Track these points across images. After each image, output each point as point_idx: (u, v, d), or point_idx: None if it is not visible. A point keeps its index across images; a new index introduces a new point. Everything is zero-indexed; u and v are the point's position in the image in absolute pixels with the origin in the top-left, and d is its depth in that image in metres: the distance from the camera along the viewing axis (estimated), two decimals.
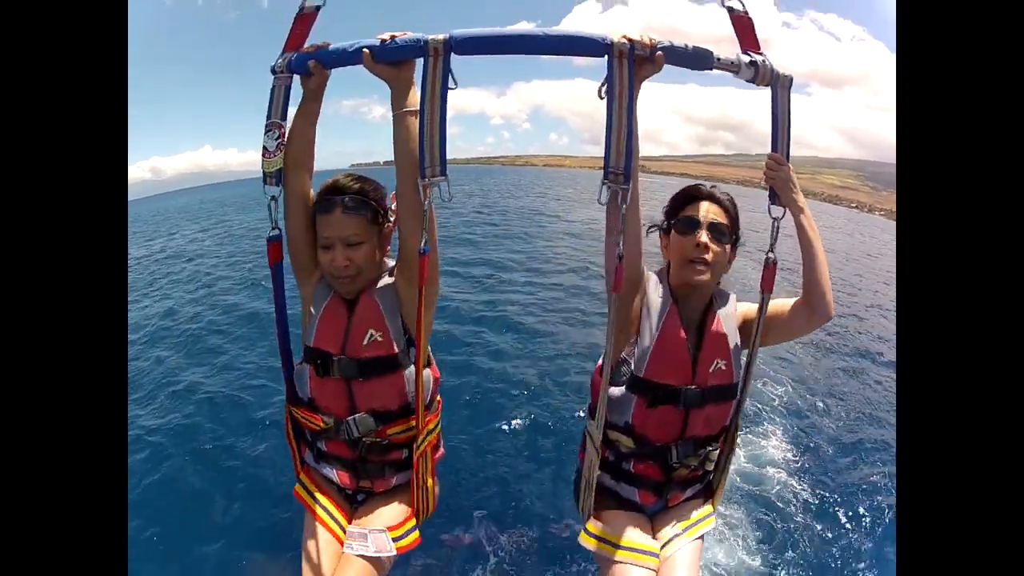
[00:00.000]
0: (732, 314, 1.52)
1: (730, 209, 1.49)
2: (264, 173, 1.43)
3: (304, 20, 1.40)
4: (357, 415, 1.48)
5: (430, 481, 1.57)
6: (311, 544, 1.49)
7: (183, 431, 4.30)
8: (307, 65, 1.36)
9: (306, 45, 1.41)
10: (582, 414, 4.38)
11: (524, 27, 1.43)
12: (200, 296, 8.61)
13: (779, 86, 1.40)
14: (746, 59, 1.36)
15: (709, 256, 1.43)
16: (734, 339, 1.49)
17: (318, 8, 1.40)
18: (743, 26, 1.40)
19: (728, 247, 1.48)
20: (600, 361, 1.50)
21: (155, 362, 5.79)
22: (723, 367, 1.46)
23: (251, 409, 4.58)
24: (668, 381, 1.43)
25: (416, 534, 1.54)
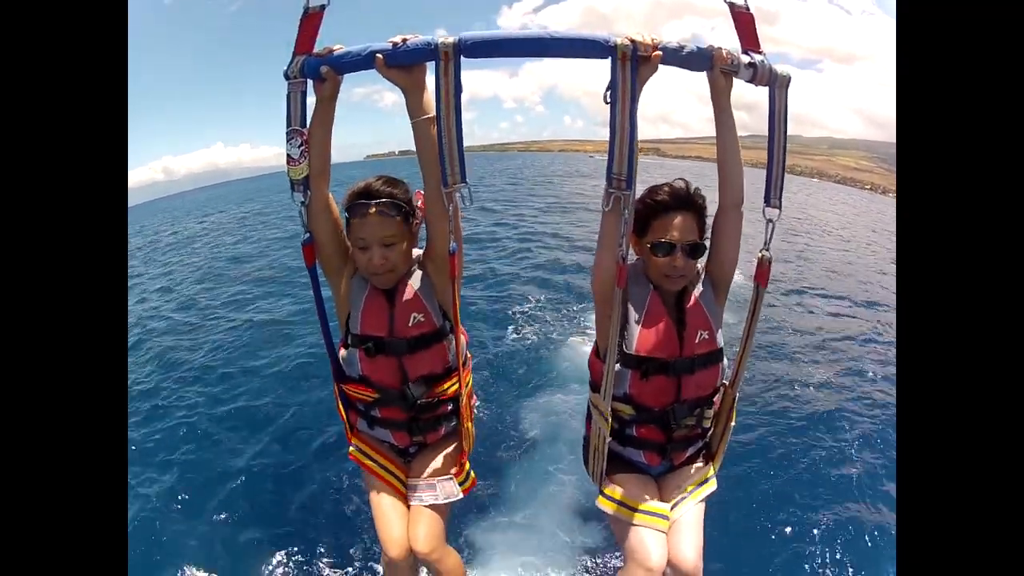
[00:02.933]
0: (701, 283, 1.64)
1: (702, 211, 1.57)
2: (291, 181, 1.47)
3: (310, 20, 1.38)
4: (410, 383, 1.64)
5: (470, 424, 1.74)
6: (379, 501, 1.68)
7: (222, 413, 4.56)
8: (320, 71, 1.36)
9: (315, 47, 1.39)
10: (577, 386, 4.56)
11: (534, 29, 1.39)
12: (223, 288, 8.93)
13: (777, 86, 1.42)
14: (745, 60, 1.37)
15: (685, 272, 1.56)
16: (710, 307, 1.61)
17: (323, 7, 1.37)
18: (744, 23, 1.40)
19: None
20: (595, 344, 1.67)
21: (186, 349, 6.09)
22: (706, 336, 1.59)
23: (292, 387, 4.90)
24: (658, 355, 1.56)
25: (473, 475, 1.76)
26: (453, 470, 1.72)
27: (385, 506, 1.67)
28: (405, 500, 1.71)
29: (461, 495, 1.69)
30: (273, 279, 9.17)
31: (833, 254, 12.96)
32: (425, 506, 1.66)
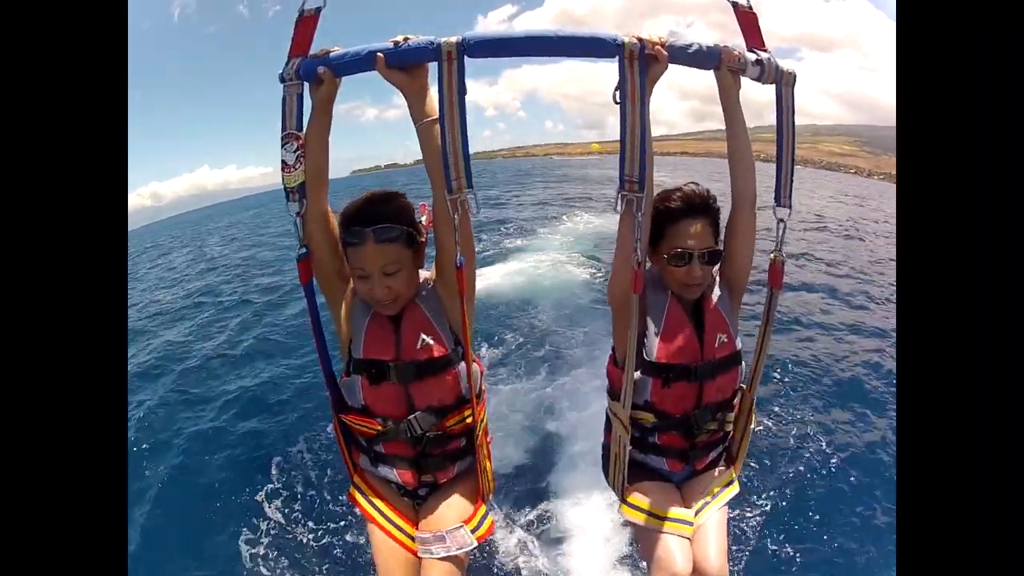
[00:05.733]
0: (717, 285, 1.62)
1: (716, 215, 1.54)
2: (286, 189, 1.38)
3: (306, 24, 1.33)
4: (418, 413, 1.50)
5: (488, 464, 1.62)
6: (380, 554, 1.53)
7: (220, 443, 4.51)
8: (317, 72, 1.31)
9: (311, 51, 1.34)
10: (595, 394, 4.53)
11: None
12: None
13: (783, 84, 1.41)
14: (752, 57, 1.36)
15: (703, 280, 1.53)
16: (727, 311, 1.60)
17: (319, 10, 1.32)
18: (748, 21, 1.40)
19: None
20: (611, 352, 1.65)
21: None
22: (725, 339, 1.57)
23: (290, 420, 4.82)
24: (680, 361, 1.54)
25: (490, 519, 1.60)
26: (467, 516, 1.56)
27: (386, 559, 1.52)
28: (410, 552, 1.53)
29: (475, 544, 1.53)
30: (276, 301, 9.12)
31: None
32: (438, 559, 1.50)
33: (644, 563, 1.66)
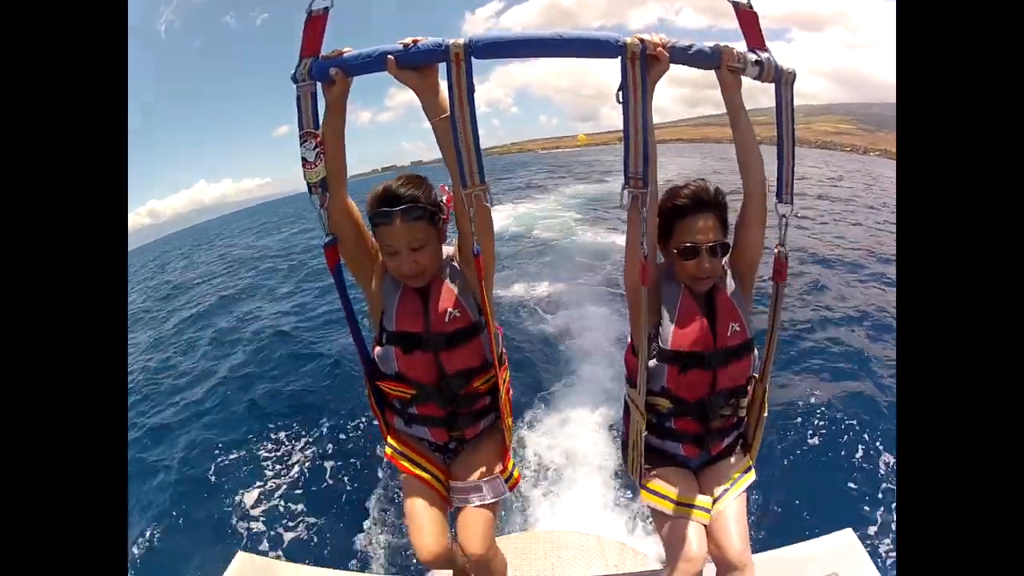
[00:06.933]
0: (728, 275, 1.67)
1: (723, 210, 1.58)
2: (308, 184, 1.45)
3: (315, 24, 1.35)
4: (448, 378, 1.63)
5: (509, 420, 1.74)
6: (413, 503, 1.66)
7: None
8: (329, 72, 1.34)
9: (323, 51, 1.37)
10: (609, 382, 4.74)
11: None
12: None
13: (782, 82, 1.43)
14: (752, 58, 1.38)
15: (712, 273, 1.58)
16: (739, 300, 1.64)
17: (327, 9, 1.34)
18: (748, 21, 1.41)
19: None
20: (630, 340, 1.69)
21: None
22: (737, 328, 1.61)
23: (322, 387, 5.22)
24: (694, 349, 1.59)
25: (518, 470, 1.76)
26: (498, 468, 1.70)
27: (420, 508, 1.65)
28: (443, 500, 1.70)
29: (508, 493, 1.69)
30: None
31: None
32: (475, 507, 1.65)
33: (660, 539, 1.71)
